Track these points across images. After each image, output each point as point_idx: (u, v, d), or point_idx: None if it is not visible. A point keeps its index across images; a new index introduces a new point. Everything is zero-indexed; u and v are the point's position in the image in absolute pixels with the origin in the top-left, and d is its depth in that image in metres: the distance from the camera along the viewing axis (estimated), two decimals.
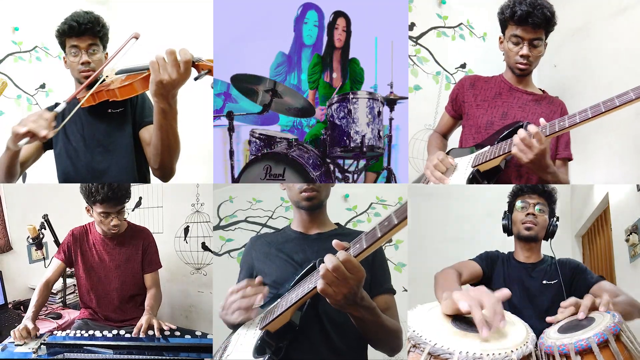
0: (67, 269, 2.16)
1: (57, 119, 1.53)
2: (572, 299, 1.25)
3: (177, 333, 1.69)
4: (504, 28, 1.79)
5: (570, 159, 1.82)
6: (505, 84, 1.85)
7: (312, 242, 1.48)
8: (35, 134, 1.42)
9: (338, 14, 2.83)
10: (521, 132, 1.47)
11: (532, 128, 1.46)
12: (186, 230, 2.63)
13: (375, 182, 2.81)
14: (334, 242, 1.08)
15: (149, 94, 1.55)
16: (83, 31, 1.70)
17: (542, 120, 1.50)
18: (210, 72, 1.47)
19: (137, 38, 1.57)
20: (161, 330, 1.68)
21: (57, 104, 1.61)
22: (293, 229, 1.53)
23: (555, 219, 1.70)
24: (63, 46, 1.77)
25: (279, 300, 1.28)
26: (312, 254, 1.43)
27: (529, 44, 1.71)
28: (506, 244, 1.76)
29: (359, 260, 1.05)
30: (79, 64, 1.72)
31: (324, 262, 1.05)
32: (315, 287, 1.11)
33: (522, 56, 1.73)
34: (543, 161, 1.49)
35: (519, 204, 1.70)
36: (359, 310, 1.14)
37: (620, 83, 1.40)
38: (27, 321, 1.73)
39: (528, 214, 1.67)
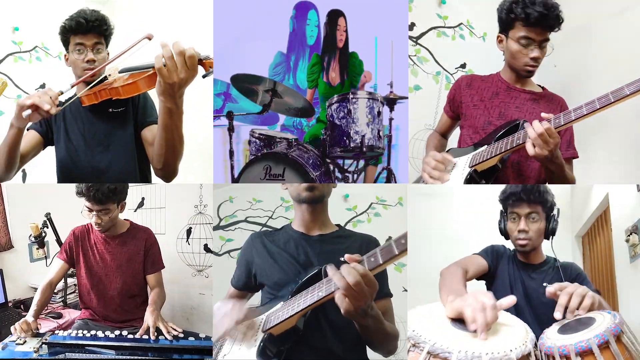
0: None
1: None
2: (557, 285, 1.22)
3: (182, 335, 1.68)
4: (508, 27, 1.71)
5: (575, 157, 1.79)
6: (503, 83, 1.83)
7: (314, 244, 1.47)
8: (40, 107, 1.44)
9: (338, 14, 2.83)
10: (537, 127, 1.44)
11: (544, 124, 1.44)
12: (189, 231, 2.62)
13: (376, 176, 2.82)
14: (346, 256, 1.10)
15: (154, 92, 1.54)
16: (90, 29, 1.70)
17: (544, 115, 1.49)
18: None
19: (150, 39, 1.53)
20: (169, 334, 1.67)
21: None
22: (294, 228, 1.52)
23: (554, 216, 1.63)
24: (66, 44, 1.75)
25: (282, 303, 1.28)
26: (314, 255, 1.44)
27: (538, 46, 1.68)
28: (506, 243, 1.75)
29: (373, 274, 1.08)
30: (84, 61, 1.71)
31: (333, 271, 1.08)
32: (326, 295, 1.14)
33: (533, 58, 1.69)
34: (556, 153, 1.49)
35: (509, 214, 1.63)
36: (367, 319, 1.16)
37: (621, 83, 1.40)
38: (28, 317, 1.72)
39: (520, 230, 1.59)
